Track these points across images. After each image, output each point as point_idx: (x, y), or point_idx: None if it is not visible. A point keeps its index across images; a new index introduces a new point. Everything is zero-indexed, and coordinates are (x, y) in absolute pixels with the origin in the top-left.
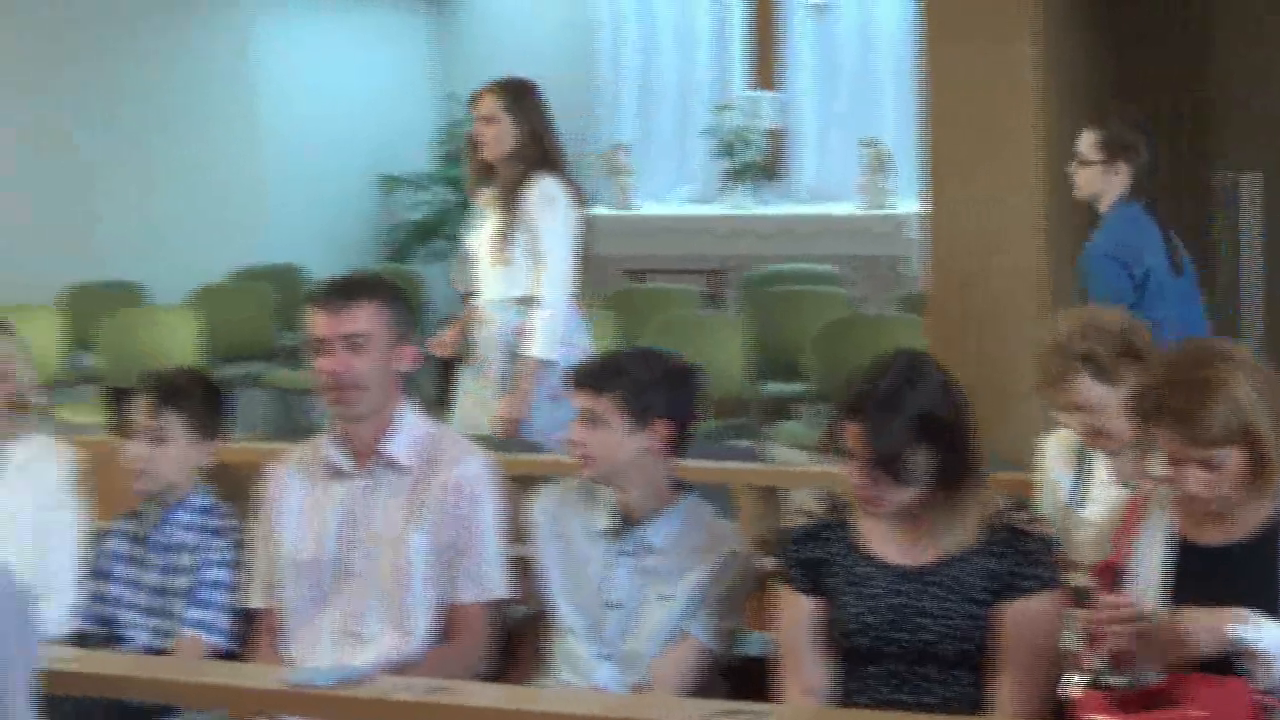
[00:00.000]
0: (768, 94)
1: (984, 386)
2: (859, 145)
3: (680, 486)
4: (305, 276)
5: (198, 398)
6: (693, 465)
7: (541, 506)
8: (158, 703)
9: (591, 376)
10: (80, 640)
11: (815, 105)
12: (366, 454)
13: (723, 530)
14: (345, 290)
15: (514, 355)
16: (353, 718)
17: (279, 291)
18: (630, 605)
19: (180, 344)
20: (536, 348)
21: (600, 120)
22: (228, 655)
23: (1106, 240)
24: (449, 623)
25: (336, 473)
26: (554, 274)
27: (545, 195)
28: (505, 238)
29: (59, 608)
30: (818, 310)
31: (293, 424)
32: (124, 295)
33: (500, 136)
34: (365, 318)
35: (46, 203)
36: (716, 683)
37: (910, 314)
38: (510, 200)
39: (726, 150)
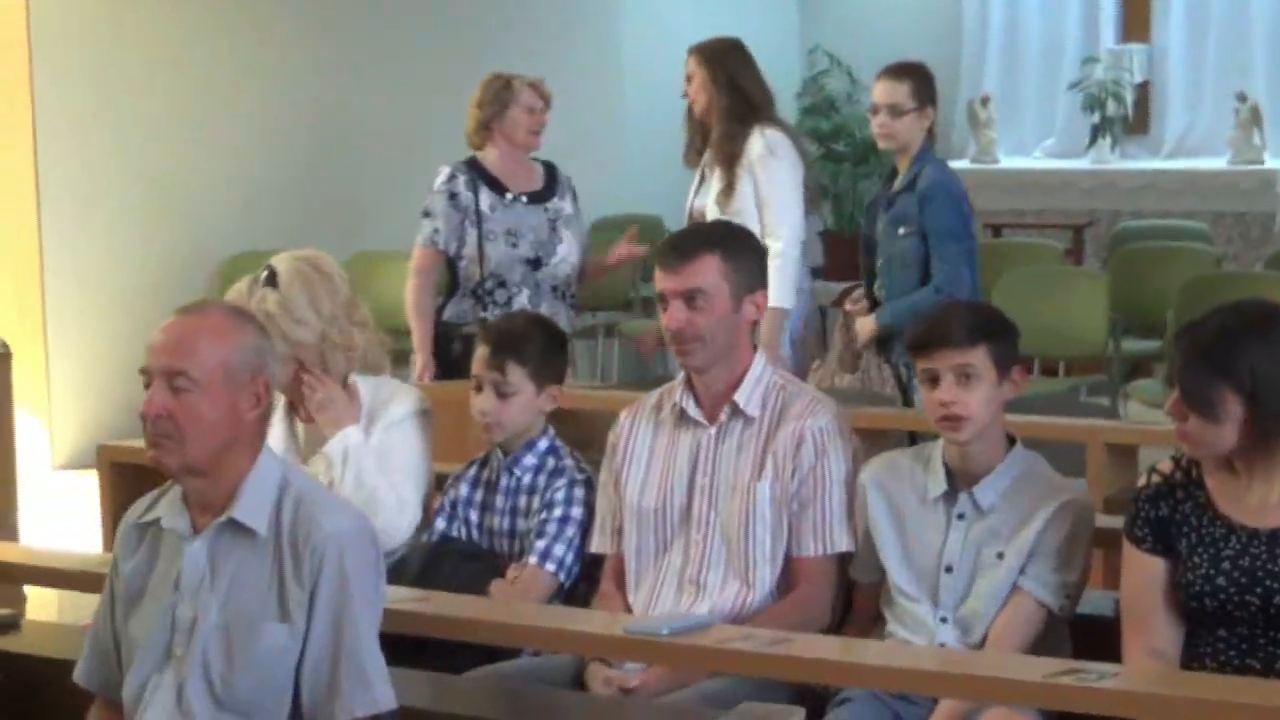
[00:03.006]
0: (1136, 47)
1: None
2: (1230, 99)
3: (1011, 440)
4: (665, 228)
5: (538, 345)
6: (1047, 422)
7: (871, 476)
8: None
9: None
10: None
11: (1184, 58)
12: (717, 404)
13: (1055, 481)
14: (685, 245)
15: None
16: (691, 666)
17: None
18: (965, 568)
19: None
20: (776, 296)
21: (965, 73)
22: (570, 593)
23: (946, 179)
24: (791, 575)
25: (687, 421)
26: (783, 222)
27: (767, 145)
28: (730, 192)
29: (396, 528)
30: (1182, 267)
31: (649, 374)
32: None
33: (698, 93)
34: (704, 272)
35: (409, 159)
36: (1061, 641)
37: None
38: (731, 155)
39: (1093, 104)
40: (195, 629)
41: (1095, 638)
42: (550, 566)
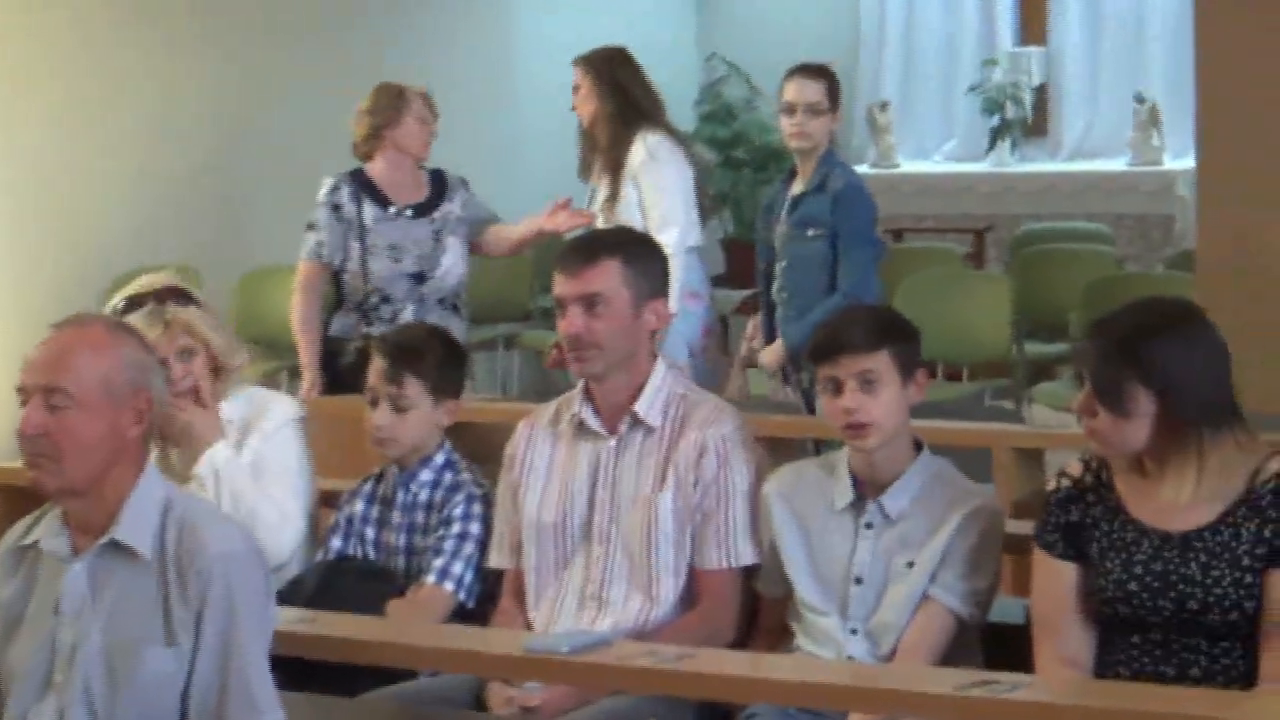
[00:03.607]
0: (1034, 49)
1: (1256, 347)
2: (1129, 100)
3: (917, 446)
4: (563, 237)
5: (436, 358)
6: (951, 427)
7: (775, 487)
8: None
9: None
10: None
11: (1082, 59)
12: (617, 414)
13: (964, 486)
14: (585, 249)
15: None
16: (593, 684)
17: (535, 252)
18: (875, 578)
19: None
20: None
21: (863, 78)
22: (469, 612)
23: (860, 181)
24: (695, 589)
25: (586, 432)
26: (667, 226)
27: (649, 150)
28: (614, 200)
29: (279, 544)
30: (1084, 269)
31: (548, 386)
32: None
33: (584, 101)
34: (603, 277)
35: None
36: (970, 650)
37: (1180, 272)
38: (615, 162)
39: (992, 107)
40: (76, 655)
41: (1006, 646)
42: (449, 585)
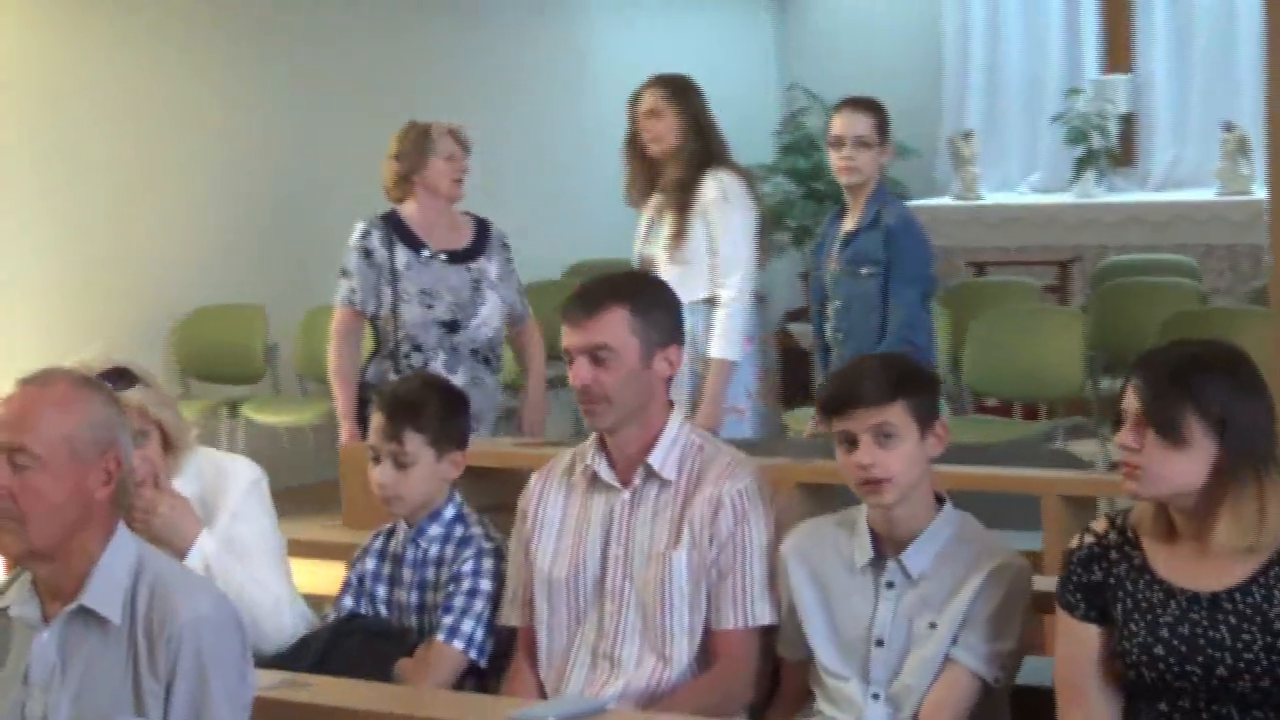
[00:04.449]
0: (1120, 77)
1: None
2: (1217, 129)
3: (939, 500)
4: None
5: (435, 410)
6: (997, 474)
7: (792, 546)
8: None
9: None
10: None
11: (1170, 88)
12: (631, 466)
13: (988, 543)
14: (590, 298)
15: (698, 360)
16: None
17: None
18: (897, 640)
19: None
20: (720, 348)
21: (947, 109)
22: (481, 671)
23: (912, 217)
24: (711, 650)
25: (600, 485)
26: (733, 270)
27: (722, 191)
28: (681, 239)
29: (280, 629)
30: (1165, 302)
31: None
32: None
33: (665, 132)
34: (611, 327)
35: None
36: (999, 715)
37: (1261, 307)
38: (685, 200)
39: (1077, 137)
40: None
41: (1039, 709)
42: (458, 644)
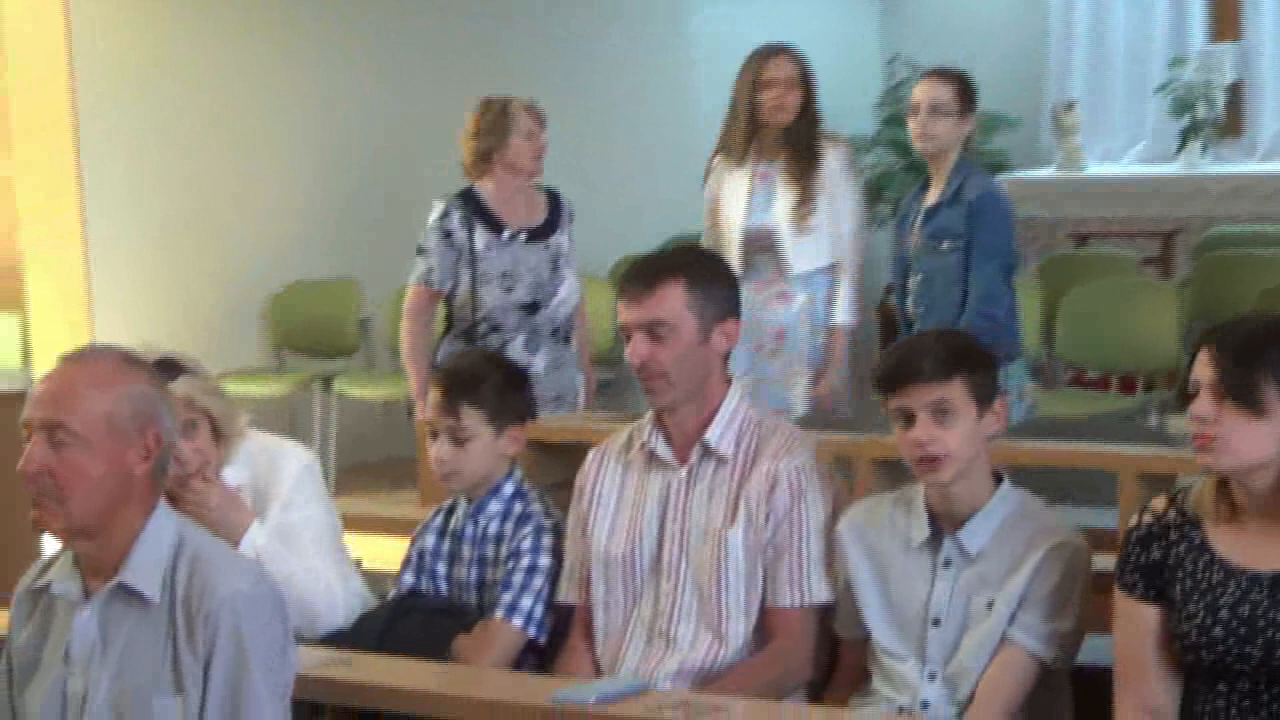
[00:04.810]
0: (1227, 46)
1: None
2: None
3: (998, 477)
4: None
5: (494, 385)
6: (1072, 449)
7: (848, 524)
8: None
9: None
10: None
11: (1278, 56)
12: (688, 443)
13: (1047, 521)
14: (646, 273)
15: (818, 329)
16: None
17: None
18: (954, 619)
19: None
20: (847, 315)
21: (1050, 79)
22: (539, 648)
23: (996, 189)
24: (767, 628)
25: (657, 462)
26: (859, 237)
27: (845, 160)
28: (808, 208)
29: (333, 617)
30: (1266, 274)
31: None
32: None
33: (793, 101)
34: (667, 303)
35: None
36: (1058, 695)
37: None
38: (808, 167)
39: (1182, 107)
40: (86, 705)
41: (1102, 689)
42: (517, 621)
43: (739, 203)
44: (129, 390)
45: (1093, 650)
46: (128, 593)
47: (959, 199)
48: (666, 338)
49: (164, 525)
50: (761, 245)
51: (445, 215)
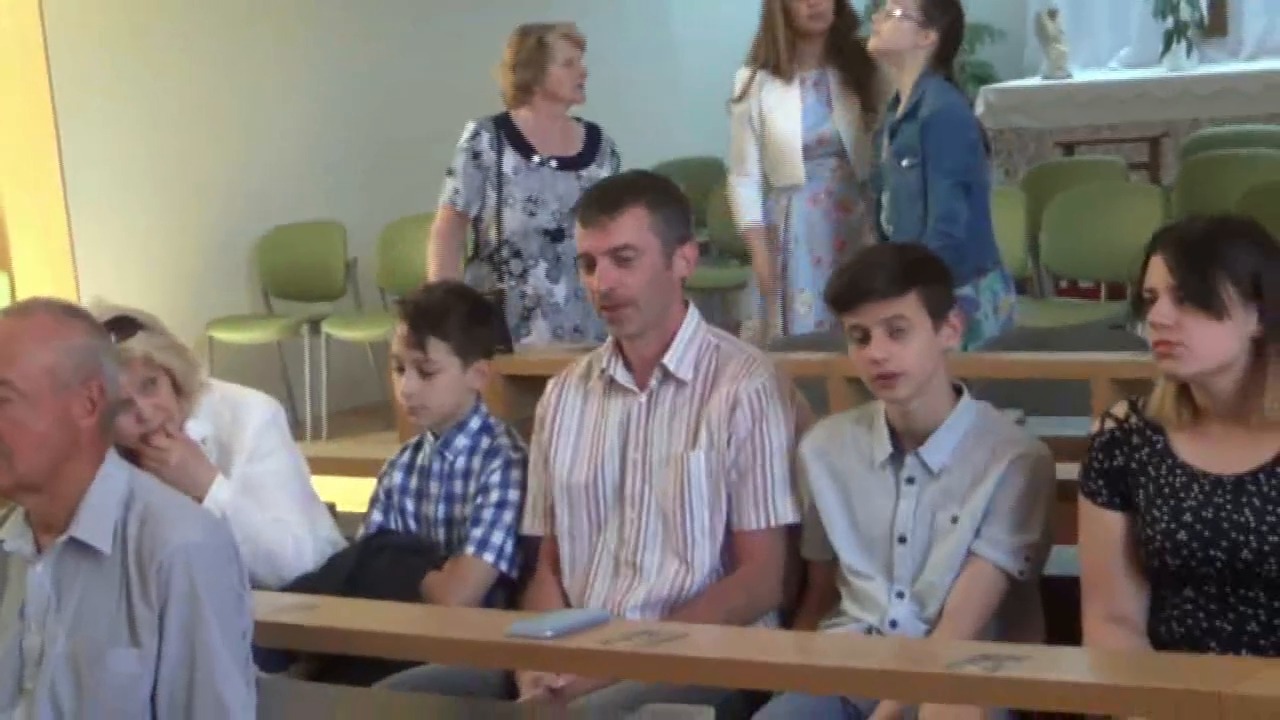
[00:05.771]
0: None
1: None
2: None
3: (958, 391)
4: (724, 169)
5: (460, 318)
6: (1045, 359)
7: (810, 445)
8: None
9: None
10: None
11: None
12: (647, 368)
13: (1007, 434)
14: (606, 199)
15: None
16: (578, 671)
17: (696, 184)
18: (920, 536)
19: None
20: None
21: None
22: (511, 583)
23: (949, 103)
24: (734, 552)
25: (616, 389)
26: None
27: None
28: (872, 115)
29: (301, 566)
30: (1251, 175)
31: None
32: None
33: (828, 8)
34: (631, 228)
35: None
36: (1029, 608)
37: None
38: (867, 72)
39: (1165, 8)
40: (43, 660)
41: (1072, 599)
42: (488, 556)
43: (792, 113)
44: (70, 343)
45: (1063, 561)
46: (79, 547)
47: (915, 114)
48: (632, 262)
49: (114, 477)
50: (823, 153)
51: (475, 136)
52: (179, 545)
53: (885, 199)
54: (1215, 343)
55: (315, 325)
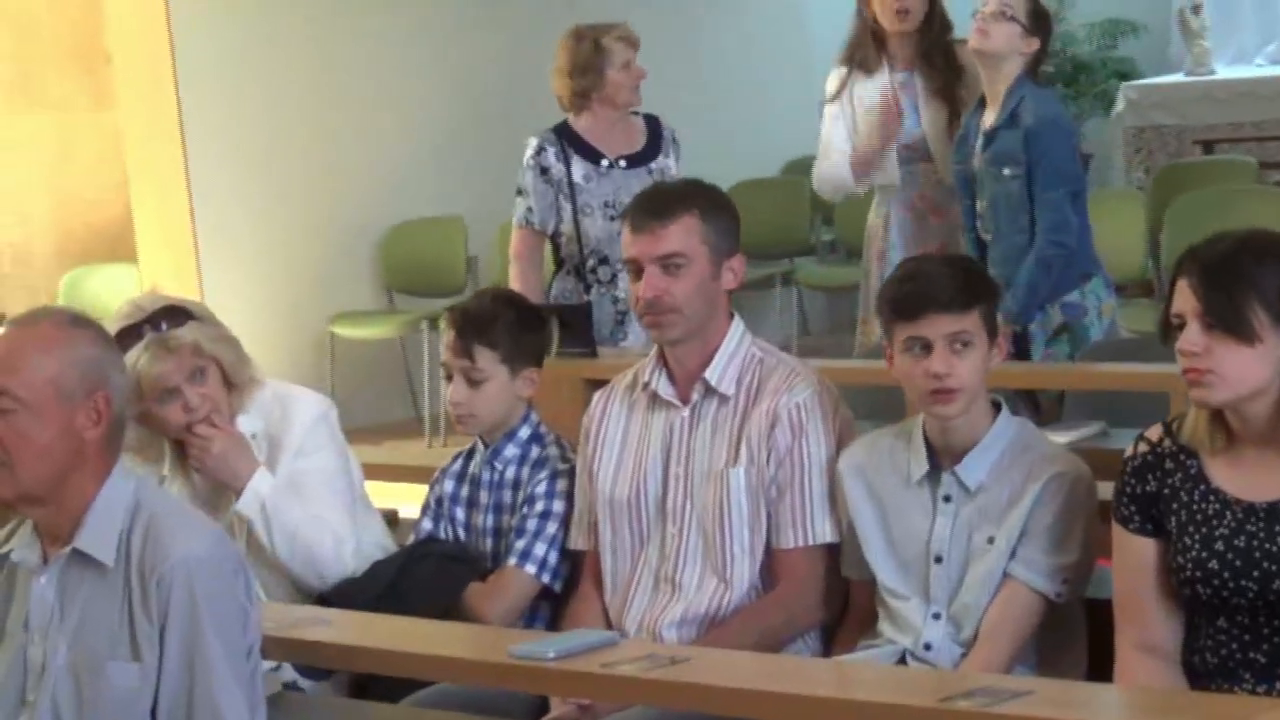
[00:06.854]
0: None
1: None
2: None
3: (996, 407)
4: None
5: (507, 325)
6: (1125, 370)
7: (848, 462)
8: None
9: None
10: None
11: None
12: (690, 381)
13: (1048, 452)
14: (660, 205)
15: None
16: (580, 695)
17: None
18: (956, 556)
19: None
20: None
21: None
22: (554, 595)
23: (1054, 111)
24: (773, 571)
25: (660, 402)
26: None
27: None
28: (957, 123)
29: (342, 568)
30: None
31: (833, 322)
32: None
33: (919, 6)
34: (680, 236)
35: None
36: (1072, 630)
37: None
38: (954, 77)
39: None
40: (45, 672)
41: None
42: (530, 568)
43: (901, 115)
44: (76, 353)
45: (1108, 583)
46: (83, 559)
47: (1016, 122)
48: (681, 270)
49: (120, 489)
50: (915, 156)
51: (540, 151)
52: (180, 558)
53: (980, 206)
54: (1246, 369)
55: (436, 321)
